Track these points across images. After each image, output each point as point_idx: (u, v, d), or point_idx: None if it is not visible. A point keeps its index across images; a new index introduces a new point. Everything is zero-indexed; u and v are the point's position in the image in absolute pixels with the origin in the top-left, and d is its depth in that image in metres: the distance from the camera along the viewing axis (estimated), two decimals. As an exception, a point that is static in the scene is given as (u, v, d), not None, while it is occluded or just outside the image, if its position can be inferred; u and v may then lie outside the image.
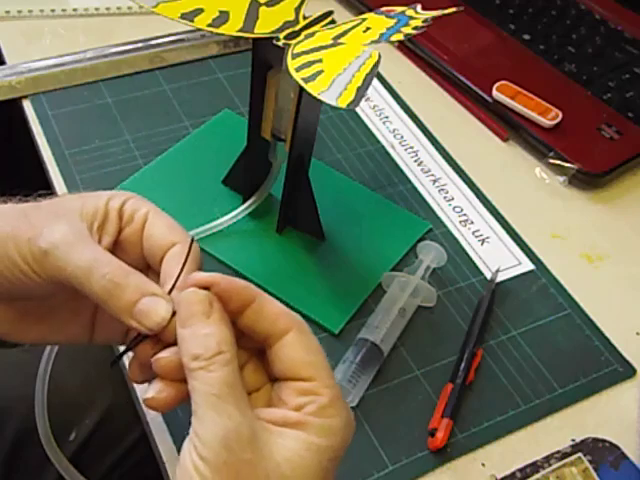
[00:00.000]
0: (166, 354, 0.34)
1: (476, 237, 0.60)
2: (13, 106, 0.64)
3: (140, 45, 0.70)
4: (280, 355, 0.34)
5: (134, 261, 0.37)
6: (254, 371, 0.36)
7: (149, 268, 0.39)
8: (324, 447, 0.32)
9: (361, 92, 0.38)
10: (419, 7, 0.50)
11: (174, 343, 0.34)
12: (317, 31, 0.47)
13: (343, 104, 0.38)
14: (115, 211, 0.37)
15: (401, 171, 0.64)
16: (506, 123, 0.69)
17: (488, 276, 0.57)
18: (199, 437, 0.31)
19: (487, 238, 0.60)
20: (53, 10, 0.73)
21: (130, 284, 0.34)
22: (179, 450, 0.33)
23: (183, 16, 0.45)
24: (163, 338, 0.35)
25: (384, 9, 0.51)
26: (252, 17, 0.47)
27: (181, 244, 0.37)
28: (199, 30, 0.51)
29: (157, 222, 0.38)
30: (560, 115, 0.67)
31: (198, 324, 0.33)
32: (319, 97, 0.39)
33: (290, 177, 0.53)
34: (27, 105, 0.64)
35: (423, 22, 0.48)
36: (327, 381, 0.33)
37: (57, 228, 0.35)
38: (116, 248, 0.38)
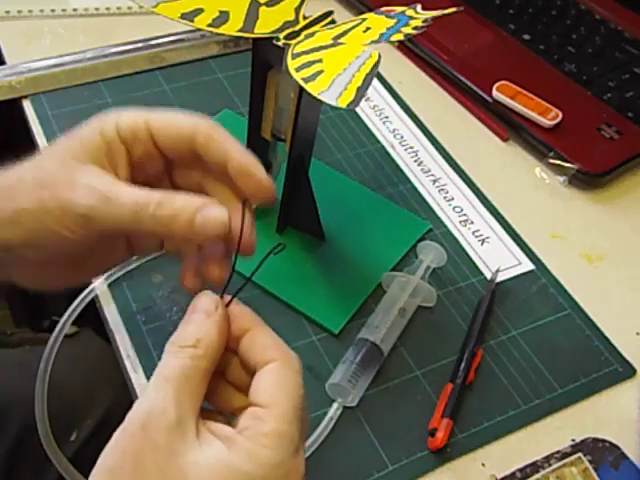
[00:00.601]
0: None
1: (476, 237, 0.60)
2: (13, 106, 0.64)
3: (140, 45, 0.70)
4: (254, 384, 0.34)
5: (158, 172, 0.37)
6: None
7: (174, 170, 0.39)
8: (239, 469, 0.30)
9: (361, 92, 0.38)
10: (419, 7, 0.50)
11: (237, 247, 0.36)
12: (317, 31, 0.47)
13: (343, 104, 0.38)
14: (113, 140, 0.36)
15: (401, 171, 0.64)
16: (506, 123, 0.69)
17: (488, 276, 0.57)
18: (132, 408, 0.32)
19: (487, 238, 0.60)
20: (53, 10, 0.73)
21: (179, 207, 0.35)
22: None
23: (183, 16, 0.45)
24: (229, 243, 0.36)
25: (384, 9, 0.51)
26: (252, 17, 0.47)
27: (202, 125, 0.37)
28: (199, 30, 0.51)
29: (163, 127, 0.37)
30: (560, 115, 0.67)
31: (195, 320, 0.34)
32: (319, 97, 0.39)
33: (290, 177, 0.53)
34: (27, 105, 0.64)
35: (423, 22, 0.48)
36: (281, 415, 0.32)
37: (83, 187, 0.35)
38: (135, 170, 0.37)
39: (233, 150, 0.36)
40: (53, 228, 0.35)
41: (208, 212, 0.35)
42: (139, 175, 0.38)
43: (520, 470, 0.47)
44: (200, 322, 0.34)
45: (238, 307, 0.36)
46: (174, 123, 0.37)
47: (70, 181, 0.35)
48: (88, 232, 0.35)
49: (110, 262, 0.42)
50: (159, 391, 0.32)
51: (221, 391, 0.36)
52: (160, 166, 0.38)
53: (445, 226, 0.60)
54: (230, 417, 0.36)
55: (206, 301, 0.35)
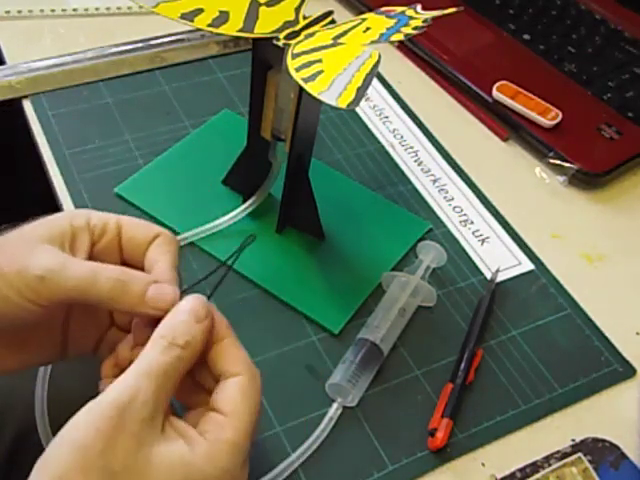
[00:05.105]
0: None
1: (476, 237, 0.60)
2: (13, 106, 0.64)
3: (140, 45, 0.70)
4: (219, 391, 0.36)
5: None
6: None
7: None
8: (196, 467, 0.33)
9: (361, 92, 0.38)
10: (419, 7, 0.50)
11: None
12: (317, 31, 0.47)
13: (343, 104, 0.38)
14: (82, 229, 0.39)
15: (401, 171, 0.64)
16: (506, 123, 0.69)
17: (488, 276, 0.57)
18: (108, 390, 0.33)
19: (487, 238, 0.60)
20: (53, 10, 0.73)
21: (135, 278, 0.37)
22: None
23: (183, 16, 0.45)
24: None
25: (384, 9, 0.51)
26: (252, 17, 0.47)
27: (162, 235, 0.40)
28: (199, 30, 0.51)
29: (133, 226, 0.40)
30: (560, 115, 0.67)
31: (188, 319, 0.36)
32: (319, 97, 0.39)
33: (290, 177, 0.53)
34: (27, 105, 0.64)
35: (423, 22, 0.48)
36: (240, 427, 0.34)
37: (42, 254, 0.37)
38: (92, 259, 0.39)
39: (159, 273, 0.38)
40: (4, 293, 0.36)
41: (161, 288, 0.37)
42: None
43: (520, 470, 0.47)
44: (191, 324, 0.36)
45: (217, 314, 0.38)
46: (139, 229, 0.40)
47: (28, 251, 0.37)
48: (37, 297, 0.36)
49: (47, 352, 0.42)
50: (142, 383, 0.33)
51: (183, 382, 0.37)
52: (117, 261, 0.40)
53: (445, 226, 0.60)
54: (182, 408, 0.39)
55: (199, 304, 0.37)
